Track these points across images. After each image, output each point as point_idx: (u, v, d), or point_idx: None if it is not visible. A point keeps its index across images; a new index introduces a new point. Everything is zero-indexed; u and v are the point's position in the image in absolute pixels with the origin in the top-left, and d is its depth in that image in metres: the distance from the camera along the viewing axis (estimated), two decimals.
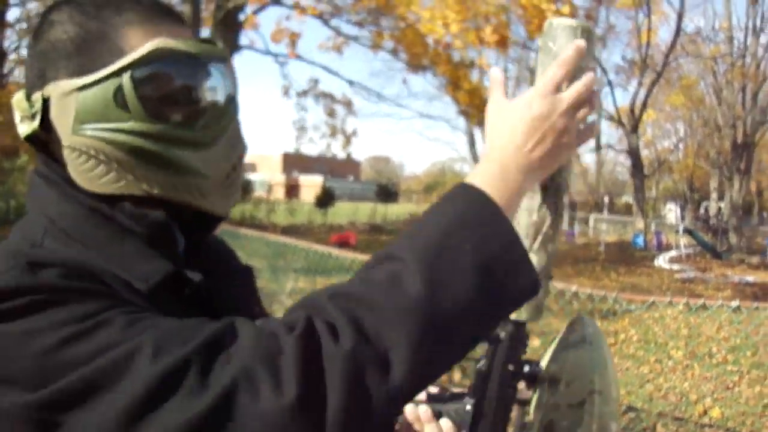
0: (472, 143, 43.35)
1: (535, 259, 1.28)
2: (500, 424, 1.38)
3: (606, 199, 40.05)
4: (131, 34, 1.15)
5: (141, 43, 1.13)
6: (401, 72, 46.34)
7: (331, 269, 8.26)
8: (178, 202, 1.18)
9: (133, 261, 1.14)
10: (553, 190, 1.32)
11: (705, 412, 7.42)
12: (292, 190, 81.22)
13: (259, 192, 48.35)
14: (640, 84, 35.39)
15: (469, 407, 1.37)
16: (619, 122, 36.34)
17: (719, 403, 7.73)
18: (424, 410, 1.38)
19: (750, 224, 46.35)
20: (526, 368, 1.40)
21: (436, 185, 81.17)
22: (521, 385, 1.42)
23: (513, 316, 1.33)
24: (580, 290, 5.41)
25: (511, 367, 1.38)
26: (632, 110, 35.01)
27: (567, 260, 23.62)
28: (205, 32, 18.01)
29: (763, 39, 33.94)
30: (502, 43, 15.28)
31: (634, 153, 35.56)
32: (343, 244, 22.08)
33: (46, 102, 1.14)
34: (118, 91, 1.11)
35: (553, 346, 1.42)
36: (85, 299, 1.00)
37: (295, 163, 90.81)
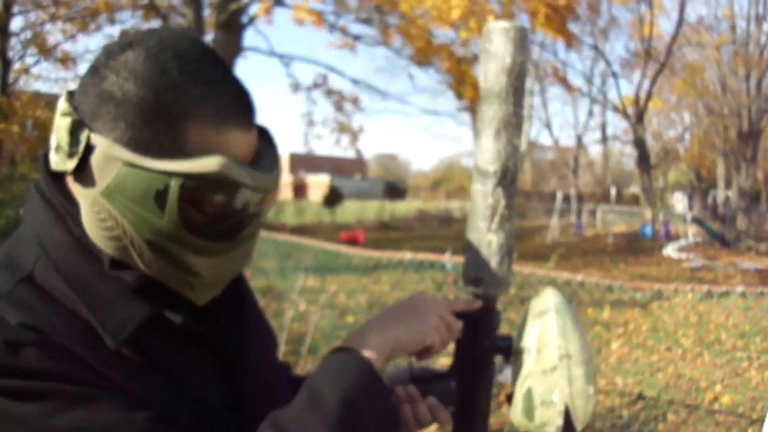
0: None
1: (494, 237, 1.46)
2: (484, 397, 1.49)
3: (613, 191, 39.95)
4: (198, 133, 1.13)
5: (204, 148, 1.13)
6: (406, 69, 46.29)
7: (340, 267, 8.31)
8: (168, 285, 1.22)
9: (114, 304, 1.17)
10: (503, 174, 1.45)
11: (715, 399, 7.44)
12: (299, 189, 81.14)
13: None
14: (643, 75, 35.35)
15: (453, 384, 1.47)
16: (624, 113, 36.28)
17: (729, 389, 7.75)
18: (413, 390, 1.45)
19: (758, 212, 46.10)
20: (500, 341, 1.49)
21: (443, 181, 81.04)
22: (498, 358, 1.52)
23: (479, 291, 1.49)
24: (586, 279, 5.45)
25: (486, 342, 1.48)
26: (637, 101, 34.96)
27: (575, 252, 23.59)
28: (209, 36, 18.06)
29: (766, 26, 33.76)
30: None
31: (639, 143, 35.50)
32: (351, 242, 22.14)
33: (89, 147, 1.14)
34: (164, 189, 1.11)
35: (523, 319, 1.50)
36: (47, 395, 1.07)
37: (302, 162, 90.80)
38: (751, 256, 23.66)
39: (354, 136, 22.75)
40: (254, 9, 15.83)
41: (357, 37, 18.10)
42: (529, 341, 1.44)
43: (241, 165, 1.15)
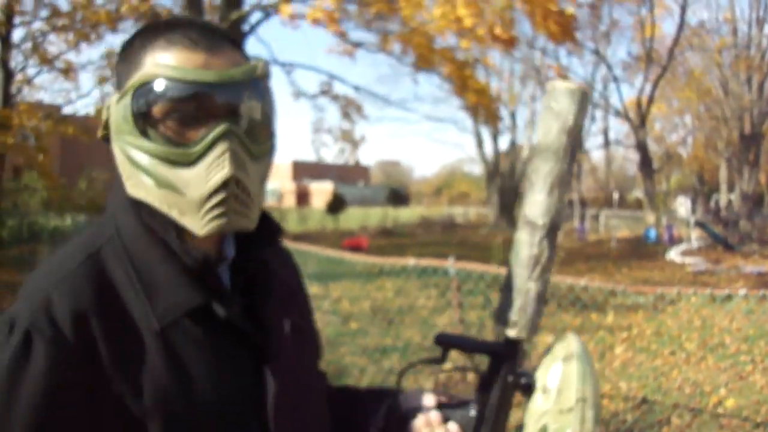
0: (480, 143, 43.35)
1: (534, 286, 1.51)
2: (501, 427, 1.54)
3: (616, 195, 39.94)
4: (150, 57, 1.29)
5: (154, 67, 1.27)
6: (408, 76, 46.25)
7: (343, 274, 8.32)
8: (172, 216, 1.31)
9: (169, 288, 1.28)
10: (551, 227, 1.51)
11: (719, 403, 7.44)
12: (302, 197, 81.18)
13: (270, 201, 48.41)
14: (645, 79, 35.38)
15: (473, 413, 1.54)
16: (626, 117, 36.31)
17: (733, 393, 7.74)
18: (434, 415, 1.54)
19: (761, 215, 46.10)
20: (523, 380, 1.52)
21: (445, 187, 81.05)
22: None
23: (512, 334, 1.51)
24: (590, 284, 5.46)
25: (510, 378, 1.52)
26: (639, 105, 34.98)
27: (579, 257, 23.57)
28: None
29: (767, 29, 33.80)
30: (510, 43, 15.33)
31: (642, 147, 35.53)
32: (355, 248, 22.14)
33: (109, 110, 1.34)
34: (127, 108, 1.27)
35: (545, 360, 1.54)
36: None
37: (305, 170, 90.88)
38: (754, 260, 23.62)
39: (355, 145, 22.81)
40: (259, 18, 15.90)
41: (357, 44, 18.11)
42: (551, 383, 1.49)
43: (177, 67, 1.26)
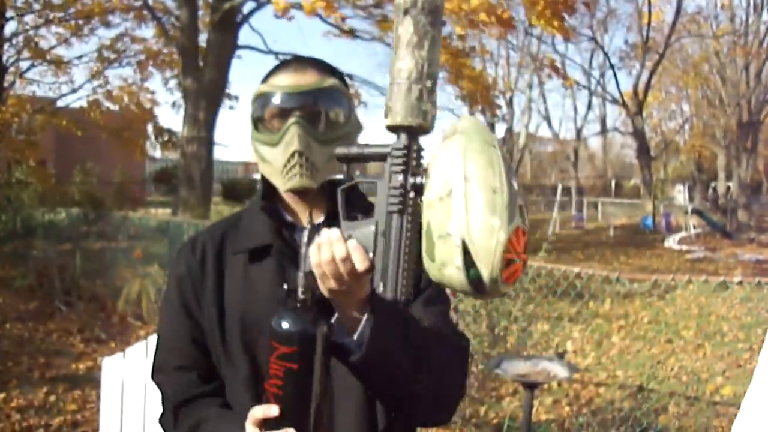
0: None
1: (405, 65, 1.44)
2: (398, 235, 1.42)
3: (613, 183, 39.90)
4: (264, 82, 1.89)
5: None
6: None
7: None
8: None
9: (257, 233, 1.90)
10: (430, 10, 1.44)
11: (716, 390, 7.41)
12: None
13: None
14: (642, 66, 35.27)
15: (372, 227, 1.45)
16: (624, 105, 36.23)
17: (730, 381, 7.71)
18: (334, 232, 1.46)
19: (759, 202, 46.13)
20: (417, 179, 1.42)
21: None
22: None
23: (388, 121, 1.45)
24: (584, 271, 5.40)
25: (398, 178, 1.43)
26: (636, 92, 34.88)
27: (576, 245, 23.57)
28: (203, 35, 17.98)
29: (765, 16, 33.77)
30: (507, 23, 15.24)
31: (639, 135, 35.46)
32: None
33: None
34: (250, 113, 1.92)
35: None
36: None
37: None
38: (752, 247, 23.64)
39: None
40: (252, 7, 15.83)
41: (353, 34, 18.02)
42: (432, 171, 1.34)
43: (271, 83, 1.86)
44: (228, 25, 15.22)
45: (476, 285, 1.27)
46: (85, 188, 27.32)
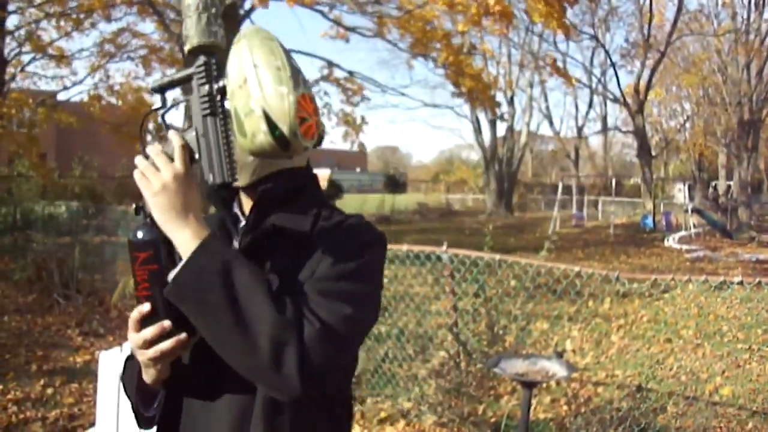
0: (478, 129, 43.17)
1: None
2: (219, 131, 1.66)
3: (613, 181, 39.87)
4: None
5: None
6: (407, 61, 46.16)
7: None
8: None
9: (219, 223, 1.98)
10: None
11: (715, 390, 7.39)
12: None
13: None
14: (643, 64, 35.24)
15: (194, 133, 1.70)
16: (624, 103, 36.20)
17: (730, 381, 7.69)
18: (154, 147, 1.70)
19: (759, 202, 46.14)
20: (219, 83, 1.66)
21: (443, 173, 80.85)
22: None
23: (198, 43, 1.67)
24: (584, 270, 5.39)
25: (206, 88, 1.67)
26: (637, 91, 34.86)
27: (576, 244, 23.59)
28: None
29: (766, 14, 33.72)
30: (506, 15, 15.18)
31: (640, 134, 35.46)
32: None
33: None
34: None
35: None
36: None
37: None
38: (752, 247, 23.63)
39: (355, 129, 22.70)
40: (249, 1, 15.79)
41: (351, 29, 18.02)
42: (228, 70, 1.60)
43: None
44: (230, 20, 15.18)
45: (282, 142, 1.56)
46: (85, 182, 27.34)
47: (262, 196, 1.85)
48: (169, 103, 1.76)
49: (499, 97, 37.38)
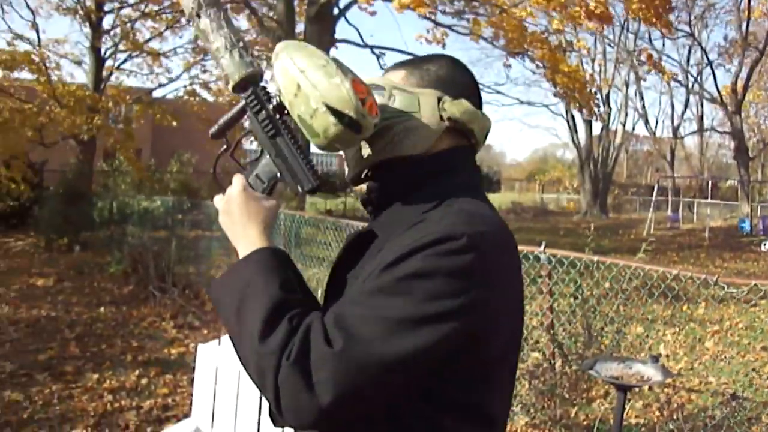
0: (574, 128, 42.71)
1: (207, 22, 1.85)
2: (290, 145, 1.76)
3: (709, 183, 39.14)
4: None
5: None
6: (499, 59, 45.73)
7: None
8: None
9: None
10: None
11: None
12: None
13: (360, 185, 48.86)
14: (741, 63, 34.48)
15: (267, 158, 1.79)
16: (722, 103, 35.49)
17: None
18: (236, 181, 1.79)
19: None
20: (268, 95, 1.77)
21: (538, 172, 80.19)
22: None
23: (240, 77, 1.77)
24: (682, 273, 5.31)
25: (263, 112, 1.76)
26: (734, 90, 34.14)
27: (671, 246, 23.23)
28: (299, 26, 18.11)
29: None
30: (606, 18, 15.02)
31: (737, 135, 34.73)
32: None
33: None
34: None
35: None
36: None
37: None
38: None
39: None
40: (348, 1, 15.88)
41: (449, 27, 17.97)
42: (279, 85, 1.68)
43: None
44: (325, 18, 15.30)
45: (353, 126, 1.61)
46: (181, 177, 27.77)
47: (365, 199, 1.85)
48: (232, 141, 1.85)
49: (595, 95, 36.99)
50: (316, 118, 1.62)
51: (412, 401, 1.52)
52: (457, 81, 1.81)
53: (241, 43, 1.79)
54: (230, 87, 1.80)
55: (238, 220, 1.72)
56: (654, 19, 15.03)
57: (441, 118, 1.72)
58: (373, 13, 17.15)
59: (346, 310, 1.48)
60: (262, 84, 1.78)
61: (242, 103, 1.77)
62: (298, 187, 1.75)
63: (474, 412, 1.58)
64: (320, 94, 1.60)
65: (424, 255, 1.47)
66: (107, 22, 23.54)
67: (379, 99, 1.73)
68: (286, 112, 1.74)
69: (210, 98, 27.32)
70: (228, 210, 1.75)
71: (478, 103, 1.83)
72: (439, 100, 1.73)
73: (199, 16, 1.81)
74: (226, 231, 1.76)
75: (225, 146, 1.84)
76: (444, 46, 18.53)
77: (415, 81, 1.78)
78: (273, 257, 1.64)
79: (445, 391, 1.54)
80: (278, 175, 1.77)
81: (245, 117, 1.79)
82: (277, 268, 1.60)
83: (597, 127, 43.36)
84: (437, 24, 17.89)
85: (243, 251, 1.68)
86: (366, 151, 1.76)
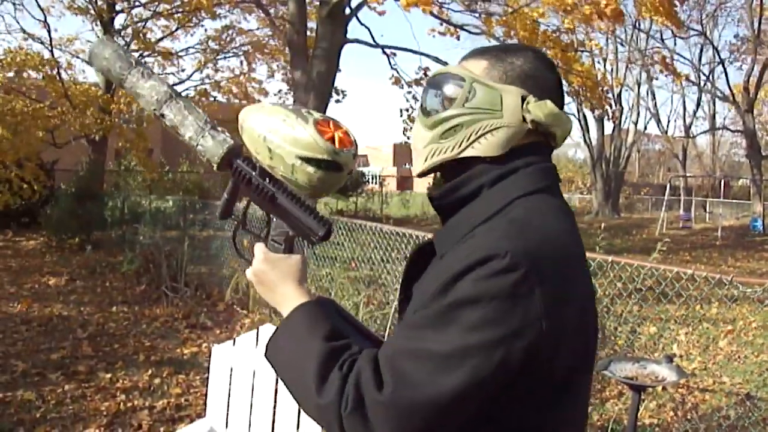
0: (585, 127, 42.61)
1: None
2: (289, 203, 1.80)
3: (722, 182, 39.04)
4: None
5: None
6: None
7: None
8: None
9: None
10: None
11: None
12: (404, 181, 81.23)
13: (371, 185, 48.80)
14: (754, 61, 34.33)
15: (274, 222, 1.85)
16: (734, 102, 35.37)
17: None
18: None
19: None
20: (250, 165, 1.82)
21: None
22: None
23: (220, 159, 1.82)
24: (697, 273, 5.29)
25: (253, 182, 1.81)
26: (746, 89, 34.00)
27: (683, 246, 23.19)
28: (311, 25, 18.11)
29: None
30: (617, 16, 14.95)
31: (749, 133, 34.59)
32: None
33: None
34: None
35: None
36: None
37: (406, 154, 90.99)
38: None
39: None
40: (360, 0, 15.83)
41: (460, 27, 17.91)
42: (253, 154, 1.80)
43: None
44: (337, 17, 15.26)
45: (332, 166, 1.71)
46: (192, 177, 27.79)
47: (436, 207, 1.75)
48: (236, 218, 1.93)
49: (607, 94, 36.91)
50: (296, 172, 1.72)
51: (474, 427, 1.47)
52: (543, 78, 1.67)
53: (208, 125, 1.85)
54: (215, 167, 1.85)
55: (272, 286, 1.77)
56: (664, 18, 14.96)
57: (523, 119, 1.61)
58: (382, 13, 17.06)
59: (395, 348, 1.46)
60: (240, 159, 1.84)
61: (231, 181, 1.84)
62: (313, 237, 1.79)
63: None
64: (290, 150, 1.70)
65: (468, 280, 1.41)
66: (119, 21, 23.60)
67: (458, 92, 1.64)
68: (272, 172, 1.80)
69: (221, 98, 27.34)
70: (260, 280, 1.79)
71: (560, 102, 1.70)
72: (524, 99, 1.61)
73: (163, 115, 1.86)
74: (266, 299, 1.81)
75: (235, 228, 1.94)
76: (458, 38, 18.54)
77: (497, 75, 1.65)
78: (314, 309, 1.67)
79: (507, 416, 1.49)
80: (289, 232, 1.82)
81: (240, 190, 1.84)
82: (320, 319, 1.63)
83: (609, 127, 43.27)
84: (448, 23, 17.85)
85: (285, 311, 1.71)
86: (437, 146, 1.67)
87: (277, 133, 1.71)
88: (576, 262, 1.57)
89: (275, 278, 1.76)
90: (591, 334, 1.63)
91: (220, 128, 1.86)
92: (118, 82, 1.85)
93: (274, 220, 1.84)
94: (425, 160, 1.70)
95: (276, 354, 1.66)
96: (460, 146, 1.64)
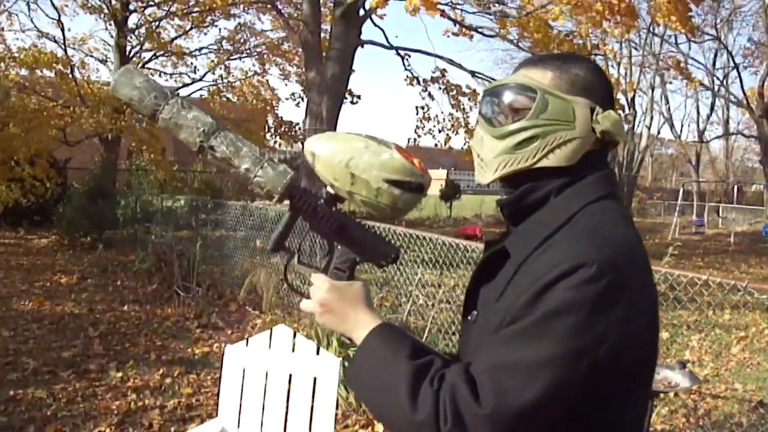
0: None
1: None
2: (359, 230, 1.82)
3: (735, 188, 38.92)
4: None
5: None
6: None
7: (459, 262, 8.16)
8: None
9: None
10: None
11: None
12: None
13: None
14: None
15: (339, 250, 1.82)
16: (748, 107, 35.26)
17: None
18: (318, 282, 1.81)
19: None
20: (322, 193, 1.81)
21: None
22: None
23: (281, 191, 1.78)
24: (711, 279, 5.27)
25: (318, 210, 1.80)
26: (761, 94, 33.88)
27: (696, 251, 23.10)
28: (325, 26, 18.10)
29: None
30: (630, 14, 14.89)
31: (764, 138, 34.48)
32: (469, 237, 21.92)
33: None
34: None
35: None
36: None
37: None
38: None
39: (469, 133, 22.50)
40: (369, 2, 15.82)
41: (474, 29, 17.89)
42: (329, 180, 1.77)
43: None
44: (351, 19, 15.25)
45: (416, 189, 1.75)
46: (205, 177, 27.84)
47: (505, 214, 1.86)
48: (290, 249, 1.87)
49: (621, 99, 36.82)
50: (381, 195, 1.72)
51: (563, 426, 1.54)
52: (601, 88, 1.75)
53: (265, 156, 1.82)
54: (275, 200, 1.82)
55: (343, 314, 1.76)
56: (678, 23, 14.91)
57: (592, 129, 1.68)
58: (382, 17, 17.10)
59: (493, 362, 1.50)
60: (301, 192, 1.81)
61: (289, 213, 1.82)
62: (382, 261, 1.82)
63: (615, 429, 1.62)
64: (377, 174, 1.70)
65: (558, 289, 1.47)
66: (132, 20, 23.67)
67: (528, 103, 1.69)
68: (336, 202, 1.82)
69: (234, 98, 27.37)
70: (327, 310, 1.77)
71: (613, 109, 1.75)
72: (592, 111, 1.68)
73: (212, 147, 1.79)
74: (334, 328, 1.80)
75: (289, 258, 1.87)
76: (471, 38, 18.49)
77: (564, 86, 1.71)
78: (390, 330, 1.69)
79: (591, 412, 1.56)
80: (356, 259, 1.81)
81: (296, 222, 1.83)
82: (399, 339, 1.65)
83: None
84: (462, 26, 17.82)
85: (360, 336, 1.71)
86: (510, 157, 1.72)
87: (362, 158, 1.70)
88: (648, 268, 1.65)
89: (347, 305, 1.76)
90: (657, 333, 1.70)
91: (275, 159, 1.82)
92: (151, 113, 1.79)
93: (338, 248, 1.82)
94: (496, 170, 1.75)
95: (361, 379, 1.67)
96: (534, 157, 1.69)
